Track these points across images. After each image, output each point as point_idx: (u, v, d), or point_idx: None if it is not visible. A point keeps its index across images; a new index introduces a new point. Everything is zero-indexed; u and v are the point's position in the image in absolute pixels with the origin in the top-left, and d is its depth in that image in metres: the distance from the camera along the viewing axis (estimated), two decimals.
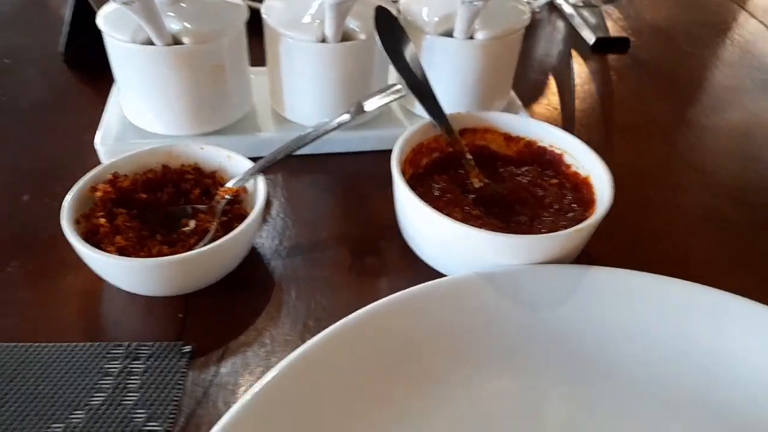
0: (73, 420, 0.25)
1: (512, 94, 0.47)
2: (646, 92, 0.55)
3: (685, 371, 0.28)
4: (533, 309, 0.30)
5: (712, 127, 0.50)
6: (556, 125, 0.37)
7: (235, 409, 0.23)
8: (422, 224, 0.32)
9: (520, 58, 0.44)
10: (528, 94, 0.52)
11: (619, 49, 0.62)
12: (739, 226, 0.40)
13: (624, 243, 0.37)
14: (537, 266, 0.30)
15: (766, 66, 0.61)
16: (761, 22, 0.71)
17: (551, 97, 0.53)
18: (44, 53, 0.53)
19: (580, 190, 0.35)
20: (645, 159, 0.46)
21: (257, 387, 0.23)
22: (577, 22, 0.65)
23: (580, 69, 0.59)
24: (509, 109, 0.46)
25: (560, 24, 0.67)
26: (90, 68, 0.50)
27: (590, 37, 0.62)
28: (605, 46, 0.62)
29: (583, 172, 0.35)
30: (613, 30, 0.64)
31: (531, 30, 0.65)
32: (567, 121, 0.50)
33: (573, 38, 0.64)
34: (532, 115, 0.49)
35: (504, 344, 0.29)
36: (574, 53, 0.61)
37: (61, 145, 0.42)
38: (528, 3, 0.66)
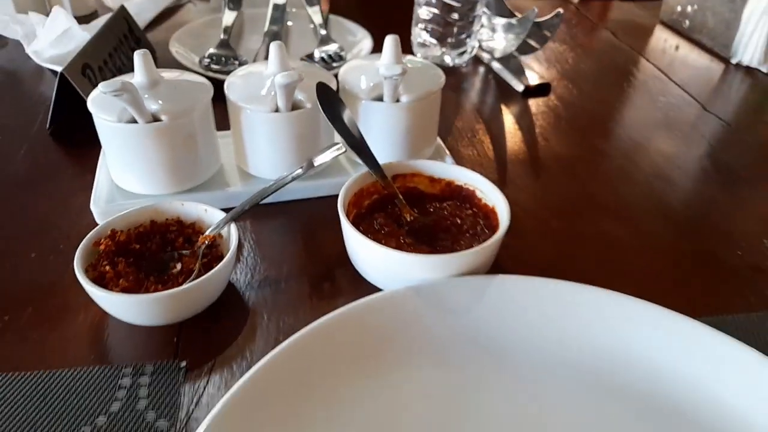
0: (98, 423, 0.32)
1: (439, 141, 0.57)
2: (562, 131, 0.66)
3: (585, 359, 0.36)
4: (454, 313, 0.38)
5: (617, 159, 0.61)
6: (480, 165, 0.46)
7: (219, 405, 0.30)
8: (366, 253, 0.41)
9: (456, 107, 0.54)
10: (461, 138, 0.62)
11: (541, 94, 0.73)
12: (625, 244, 0.49)
13: (531, 259, 0.46)
14: (456, 278, 0.39)
15: (661, 103, 0.73)
16: (655, 65, 0.83)
17: (481, 139, 0.63)
18: (29, 129, 0.60)
19: (489, 218, 0.44)
20: (558, 189, 0.56)
21: (234, 387, 0.31)
22: (504, 74, 0.76)
23: (507, 113, 0.69)
24: (437, 153, 0.56)
25: (489, 76, 0.78)
26: (75, 141, 0.58)
27: (518, 86, 0.73)
28: (529, 92, 0.73)
29: (490, 204, 0.44)
30: (532, 78, 0.75)
31: (463, 83, 0.75)
32: (489, 161, 0.59)
33: (500, 88, 0.75)
34: (463, 157, 0.59)
35: (433, 343, 0.37)
36: (503, 100, 0.72)
37: (55, 209, 0.49)
38: (455, 60, 0.77)
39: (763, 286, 0.45)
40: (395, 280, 0.39)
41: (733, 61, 0.83)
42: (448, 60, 0.78)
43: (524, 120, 0.68)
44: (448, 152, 0.56)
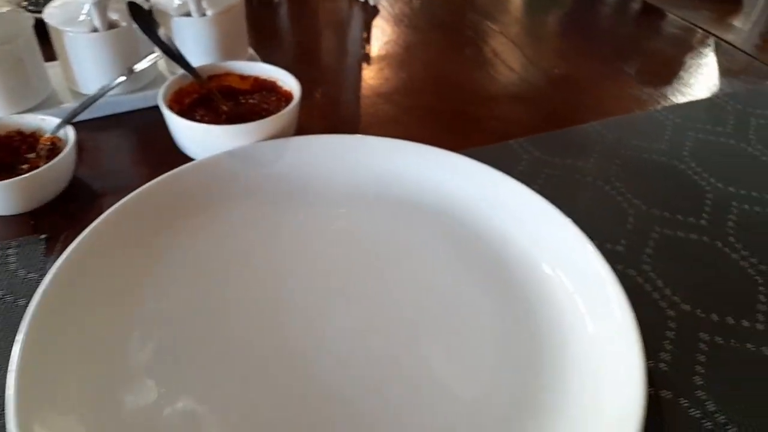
0: None
1: (251, 51, 0.66)
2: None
3: (389, 192, 0.49)
4: (263, 167, 0.49)
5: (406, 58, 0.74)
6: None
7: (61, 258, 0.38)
8: (186, 133, 0.50)
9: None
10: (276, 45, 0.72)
11: None
12: (403, 113, 0.63)
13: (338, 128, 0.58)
14: (263, 142, 0.50)
15: None
16: None
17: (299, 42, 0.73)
18: None
19: (290, 100, 0.55)
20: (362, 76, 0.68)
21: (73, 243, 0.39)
22: None
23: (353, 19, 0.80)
24: (250, 59, 0.65)
25: None
26: None
27: None
28: None
29: (288, 89, 0.55)
30: None
31: None
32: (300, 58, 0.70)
33: None
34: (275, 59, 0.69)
35: (249, 195, 0.48)
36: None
37: None
38: None
39: (492, 125, 0.61)
40: (214, 151, 0.49)
41: None
42: None
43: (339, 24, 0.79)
44: (258, 57, 0.66)
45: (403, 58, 0.74)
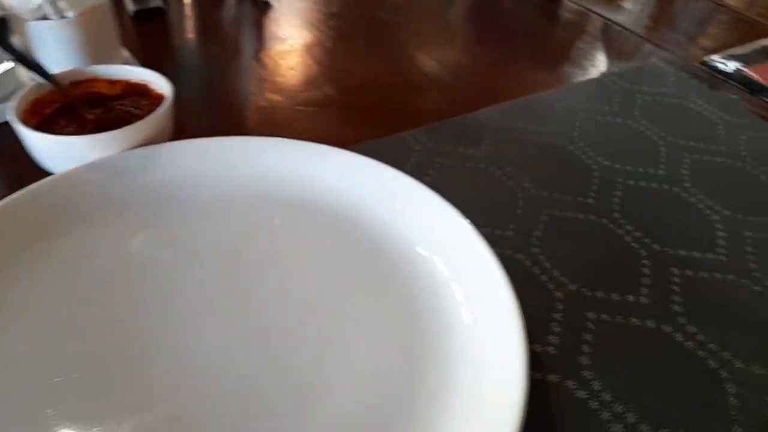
0: None
1: (125, 53, 0.62)
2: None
3: (258, 191, 0.47)
4: (129, 176, 0.46)
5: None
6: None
7: None
8: (42, 147, 0.46)
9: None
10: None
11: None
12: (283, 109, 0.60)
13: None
14: (129, 151, 0.46)
15: None
16: None
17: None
18: None
19: (162, 104, 0.52)
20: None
21: None
22: None
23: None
24: (127, 63, 0.61)
25: None
26: None
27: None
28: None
29: (160, 91, 0.52)
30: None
31: None
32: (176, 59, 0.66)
33: None
34: (163, 62, 0.65)
35: (112, 208, 0.44)
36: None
37: None
38: None
39: (388, 118, 0.59)
40: (75, 164, 0.46)
41: None
42: None
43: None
44: (135, 60, 0.62)
45: (297, 54, 0.72)
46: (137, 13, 0.77)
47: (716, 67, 0.72)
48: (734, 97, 0.66)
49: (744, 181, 0.54)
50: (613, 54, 0.77)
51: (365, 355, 0.36)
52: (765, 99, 0.66)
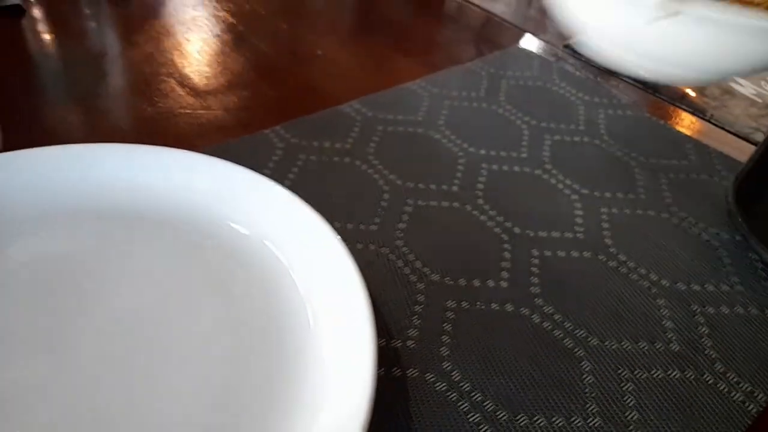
0: None
1: None
2: None
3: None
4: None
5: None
6: None
7: None
8: None
9: None
10: None
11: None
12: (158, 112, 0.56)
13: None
14: None
15: None
16: None
17: None
18: None
19: None
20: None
21: None
22: None
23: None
24: None
25: None
26: None
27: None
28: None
29: None
30: None
31: None
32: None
33: None
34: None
35: None
36: None
37: None
38: None
39: (246, 116, 0.56)
40: None
41: None
42: None
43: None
44: None
45: (159, 50, 0.67)
46: None
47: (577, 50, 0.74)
48: (592, 77, 0.69)
49: (601, 159, 0.56)
50: (483, 42, 0.78)
51: (218, 367, 0.33)
52: (622, 78, 0.69)
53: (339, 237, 0.37)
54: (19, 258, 0.38)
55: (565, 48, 0.76)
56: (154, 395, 0.32)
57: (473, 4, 0.89)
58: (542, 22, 0.85)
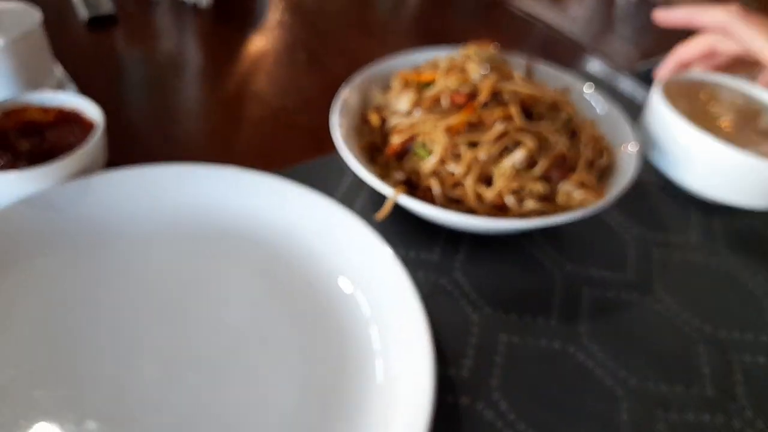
0: None
1: (59, 73, 0.62)
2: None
3: (191, 227, 0.48)
4: (61, 212, 0.46)
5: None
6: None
7: None
8: None
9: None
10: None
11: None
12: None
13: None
14: (65, 184, 0.47)
15: None
16: None
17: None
18: None
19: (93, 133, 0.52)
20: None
21: None
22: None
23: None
24: (61, 86, 0.61)
25: None
26: None
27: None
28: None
29: (91, 120, 0.52)
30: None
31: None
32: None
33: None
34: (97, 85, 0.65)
35: (52, 243, 0.45)
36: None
37: None
38: None
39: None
40: (10, 199, 0.46)
41: None
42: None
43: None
44: (72, 84, 0.62)
45: (242, 65, 0.72)
46: (90, 20, 0.76)
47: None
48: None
49: (656, 197, 0.58)
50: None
51: (288, 397, 0.38)
52: None
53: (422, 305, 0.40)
54: (138, 272, 0.44)
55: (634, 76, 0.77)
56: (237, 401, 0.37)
57: (537, 18, 0.91)
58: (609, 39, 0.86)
